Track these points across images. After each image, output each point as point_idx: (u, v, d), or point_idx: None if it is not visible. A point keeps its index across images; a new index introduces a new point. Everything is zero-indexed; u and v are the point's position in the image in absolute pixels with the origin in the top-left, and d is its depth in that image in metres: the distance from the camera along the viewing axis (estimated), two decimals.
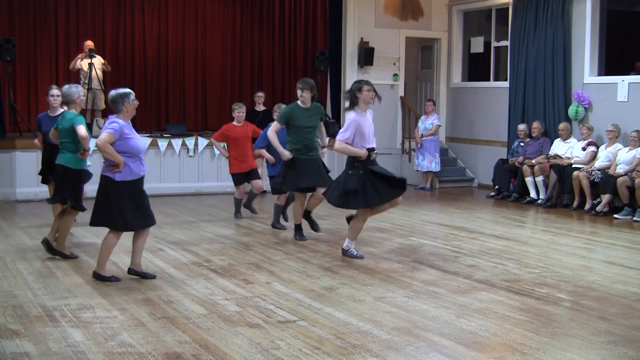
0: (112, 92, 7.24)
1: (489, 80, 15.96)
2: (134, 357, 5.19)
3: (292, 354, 5.28)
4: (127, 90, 7.31)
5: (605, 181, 11.90)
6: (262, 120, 13.23)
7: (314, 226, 9.76)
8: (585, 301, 6.84)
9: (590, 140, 12.75)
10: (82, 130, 7.89)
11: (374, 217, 9.03)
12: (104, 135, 7.02)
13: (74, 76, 14.74)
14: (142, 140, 7.47)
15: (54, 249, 8.33)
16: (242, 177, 11.17)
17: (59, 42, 15.21)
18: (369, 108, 8.36)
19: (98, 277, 7.32)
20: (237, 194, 11.29)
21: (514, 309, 6.52)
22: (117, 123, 7.08)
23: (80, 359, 5.16)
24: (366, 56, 15.61)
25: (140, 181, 7.26)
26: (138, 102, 7.42)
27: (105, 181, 7.17)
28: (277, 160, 10.12)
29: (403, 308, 6.50)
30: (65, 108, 8.40)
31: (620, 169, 11.86)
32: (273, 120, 13.69)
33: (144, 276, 7.40)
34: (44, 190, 12.74)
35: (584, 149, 12.71)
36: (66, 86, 8.35)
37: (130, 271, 7.44)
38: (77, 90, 8.27)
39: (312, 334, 5.75)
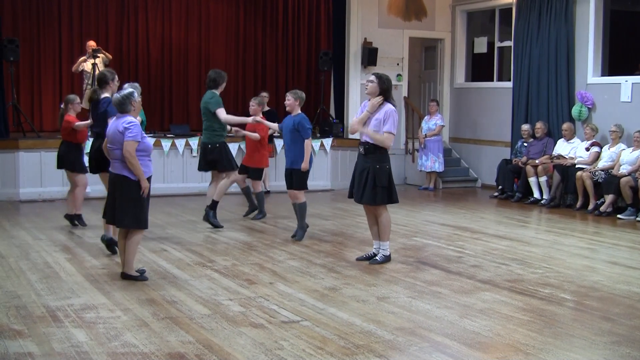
0: (116, 95, 7.27)
1: (492, 80, 15.95)
2: (137, 357, 5.20)
3: (295, 354, 5.28)
4: (130, 89, 7.37)
5: (608, 181, 11.89)
6: (266, 120, 13.23)
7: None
8: (589, 301, 6.83)
9: (594, 140, 12.73)
10: None
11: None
12: (130, 144, 7.04)
13: (77, 77, 14.77)
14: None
15: None
16: (241, 168, 11.06)
17: (62, 43, 15.25)
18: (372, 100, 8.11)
19: (128, 277, 7.34)
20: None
21: (517, 309, 6.51)
22: (135, 124, 7.13)
23: (83, 359, 5.16)
24: (370, 56, 15.60)
25: (149, 180, 7.33)
26: (141, 98, 7.54)
27: (123, 181, 7.19)
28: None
29: (406, 308, 6.50)
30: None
31: (624, 169, 11.85)
32: (277, 120, 13.78)
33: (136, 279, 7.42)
34: (47, 191, 12.88)
35: (587, 149, 12.69)
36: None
37: (124, 275, 7.45)
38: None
39: (316, 334, 5.75)
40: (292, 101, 9.52)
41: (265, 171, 13.75)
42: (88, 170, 9.73)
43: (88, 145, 10.02)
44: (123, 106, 7.20)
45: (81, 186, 10.25)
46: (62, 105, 10.43)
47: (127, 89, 7.38)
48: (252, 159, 11.06)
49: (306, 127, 9.41)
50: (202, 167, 10.45)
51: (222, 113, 9.97)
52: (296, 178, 9.47)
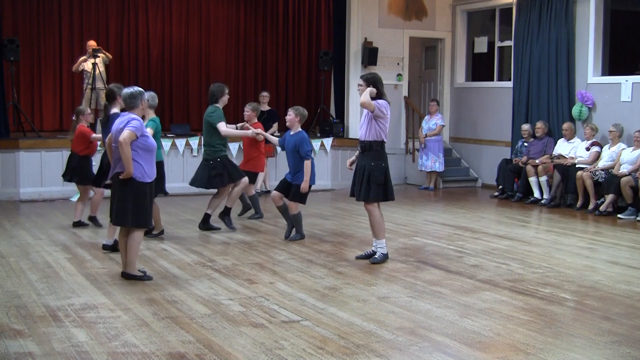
0: (129, 89, 7.27)
1: (492, 80, 15.95)
2: (138, 357, 5.20)
3: (295, 353, 5.28)
4: (141, 89, 7.40)
5: (609, 181, 11.89)
6: (266, 120, 13.25)
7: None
8: (589, 301, 6.83)
9: (594, 140, 12.73)
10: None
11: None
12: (127, 133, 7.01)
13: (78, 77, 14.77)
14: None
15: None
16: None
17: (62, 43, 15.24)
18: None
19: (130, 277, 7.34)
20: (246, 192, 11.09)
21: (517, 309, 6.51)
22: (138, 120, 7.12)
23: (83, 359, 5.16)
24: (370, 56, 15.60)
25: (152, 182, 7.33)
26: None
27: (125, 180, 7.19)
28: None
29: (407, 308, 6.50)
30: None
31: (624, 169, 11.84)
32: (277, 120, 13.80)
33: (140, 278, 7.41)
34: (48, 190, 12.89)
35: (587, 149, 12.68)
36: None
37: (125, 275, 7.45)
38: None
39: (316, 333, 5.75)
40: (293, 117, 9.49)
41: (265, 171, 13.77)
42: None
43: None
44: (134, 99, 7.16)
45: (98, 193, 10.21)
46: (73, 117, 10.47)
47: (140, 88, 7.37)
48: (248, 163, 11.06)
49: (306, 148, 9.36)
50: (209, 184, 10.09)
51: (222, 126, 9.84)
52: (295, 191, 9.43)
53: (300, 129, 9.53)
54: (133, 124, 7.05)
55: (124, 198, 7.19)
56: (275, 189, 9.70)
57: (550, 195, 12.94)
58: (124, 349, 5.35)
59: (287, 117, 9.57)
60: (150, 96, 9.01)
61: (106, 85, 14.10)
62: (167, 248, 9.01)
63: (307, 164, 9.34)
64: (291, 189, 9.47)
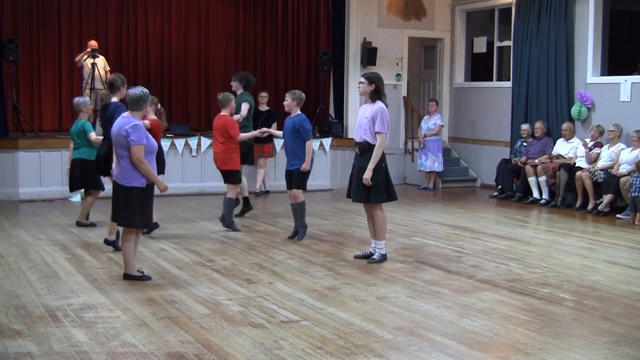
0: (136, 91, 7.17)
1: (491, 80, 15.95)
2: (137, 357, 5.20)
3: (295, 353, 5.28)
4: (146, 90, 7.30)
5: (608, 181, 11.88)
6: (265, 120, 13.25)
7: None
8: (588, 301, 6.84)
9: (597, 140, 12.71)
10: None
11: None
12: (138, 149, 6.98)
13: (77, 77, 14.76)
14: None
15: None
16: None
17: (62, 42, 15.23)
18: (367, 101, 8.25)
19: (130, 277, 7.33)
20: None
21: (516, 309, 6.52)
22: (139, 127, 7.07)
23: (83, 358, 5.16)
24: (369, 56, 15.60)
25: (152, 185, 7.30)
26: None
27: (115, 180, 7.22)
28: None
29: (406, 308, 6.51)
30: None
31: (623, 169, 11.84)
32: (277, 120, 13.77)
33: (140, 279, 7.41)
34: (47, 190, 12.90)
35: (590, 149, 12.64)
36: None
37: (126, 276, 7.44)
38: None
39: (315, 333, 5.75)
40: (290, 102, 9.45)
41: (264, 171, 13.79)
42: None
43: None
44: (142, 102, 7.11)
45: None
46: None
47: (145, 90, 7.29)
48: (228, 161, 10.14)
49: (306, 128, 9.34)
50: None
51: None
52: (296, 178, 9.46)
53: (300, 112, 9.51)
54: (136, 135, 7.00)
55: (116, 197, 7.21)
56: (288, 188, 9.59)
57: (561, 196, 12.72)
58: (123, 348, 5.35)
59: (285, 103, 9.54)
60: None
61: (105, 86, 14.11)
62: (166, 248, 9.00)
63: (308, 144, 9.35)
64: (292, 178, 9.47)
